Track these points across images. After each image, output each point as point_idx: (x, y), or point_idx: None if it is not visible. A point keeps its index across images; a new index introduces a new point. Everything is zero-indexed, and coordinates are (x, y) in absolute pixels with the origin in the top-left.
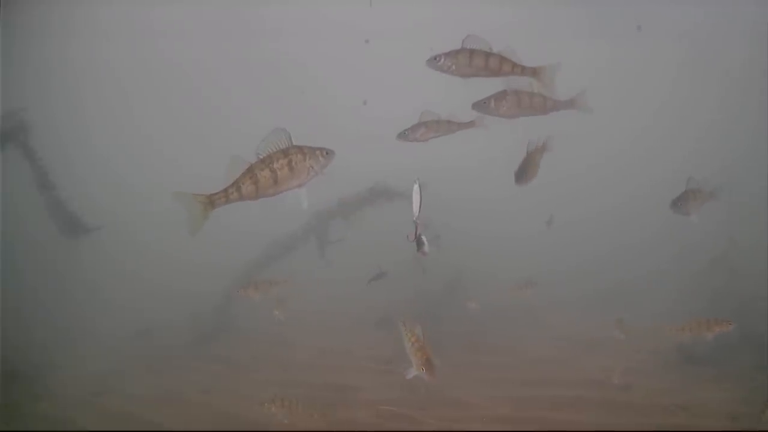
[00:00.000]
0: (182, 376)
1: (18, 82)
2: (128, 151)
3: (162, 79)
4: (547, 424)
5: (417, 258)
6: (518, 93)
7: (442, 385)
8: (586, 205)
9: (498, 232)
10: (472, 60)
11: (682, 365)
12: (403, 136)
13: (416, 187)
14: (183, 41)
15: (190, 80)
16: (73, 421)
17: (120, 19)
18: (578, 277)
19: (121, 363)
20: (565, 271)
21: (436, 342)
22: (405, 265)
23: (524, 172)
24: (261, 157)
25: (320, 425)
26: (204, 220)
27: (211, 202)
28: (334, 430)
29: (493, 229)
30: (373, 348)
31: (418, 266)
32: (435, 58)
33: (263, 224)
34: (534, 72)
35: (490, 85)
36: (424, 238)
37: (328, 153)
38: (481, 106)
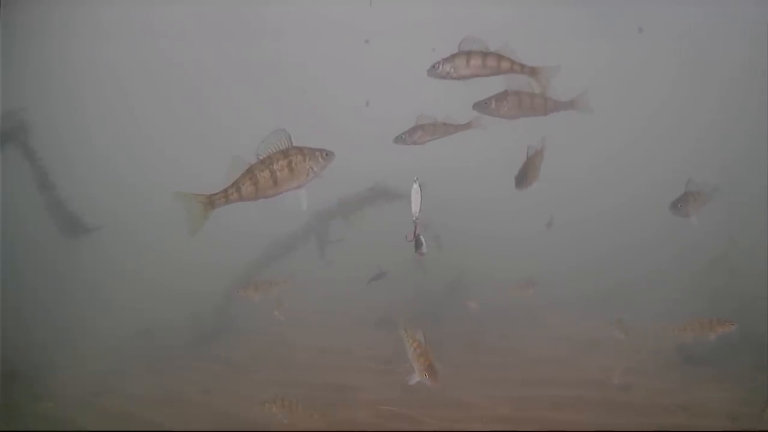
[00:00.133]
0: (182, 376)
1: (18, 82)
2: (128, 151)
3: (162, 79)
4: (547, 424)
5: (416, 258)
6: (519, 94)
7: (442, 385)
8: (586, 205)
9: (498, 232)
10: (469, 61)
11: (682, 365)
12: (400, 139)
13: (415, 187)
14: (183, 41)
15: (190, 80)
16: (73, 421)
17: (120, 19)
18: (578, 277)
19: (121, 363)
20: (565, 271)
21: (437, 342)
22: (405, 265)
23: (524, 176)
24: (261, 157)
25: (320, 425)
26: (204, 220)
27: (211, 202)
28: (334, 430)
29: (492, 229)
30: (373, 348)
31: (418, 266)
32: (434, 66)
33: (263, 224)
34: (532, 71)
35: (490, 85)
36: (422, 239)
37: (327, 154)
38: (482, 106)
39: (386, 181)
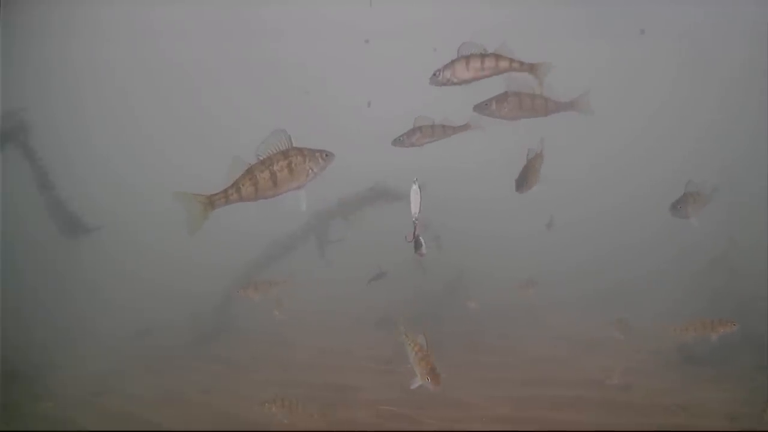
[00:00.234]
0: (182, 376)
1: (18, 82)
2: (128, 151)
3: (162, 79)
4: (547, 424)
5: (416, 258)
6: (519, 95)
7: (442, 385)
8: (587, 206)
9: (498, 232)
10: (468, 65)
11: (682, 365)
12: (398, 142)
13: (415, 187)
14: (183, 41)
15: (190, 80)
16: (73, 421)
17: (120, 19)
18: (578, 277)
19: (121, 363)
20: (565, 271)
21: (437, 342)
22: (405, 265)
23: (524, 179)
24: (261, 158)
25: (320, 425)
26: (203, 220)
27: (211, 202)
28: (334, 430)
29: (492, 229)
30: (373, 348)
31: (418, 266)
32: (434, 75)
33: (263, 224)
34: (531, 67)
35: (490, 86)
36: (421, 239)
37: (327, 155)
38: (482, 108)
39: (386, 182)
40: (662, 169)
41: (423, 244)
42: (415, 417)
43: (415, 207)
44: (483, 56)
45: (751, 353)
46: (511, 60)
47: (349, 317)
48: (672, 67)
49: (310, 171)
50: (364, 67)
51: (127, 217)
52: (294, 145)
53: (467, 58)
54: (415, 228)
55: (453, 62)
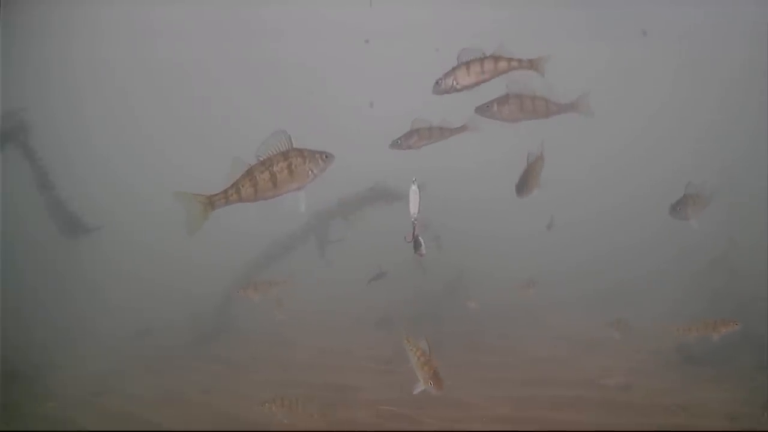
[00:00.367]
0: (182, 376)
1: (18, 82)
2: (128, 151)
3: (162, 79)
4: (547, 424)
5: (416, 258)
6: (520, 96)
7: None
8: (587, 206)
9: (498, 232)
10: (469, 70)
11: (682, 365)
12: (396, 144)
13: (414, 187)
14: (183, 41)
15: (190, 80)
16: (73, 421)
17: (120, 19)
18: (578, 277)
19: (121, 363)
20: (565, 271)
21: (437, 342)
22: (405, 266)
23: (525, 183)
24: (261, 159)
25: (320, 425)
26: (203, 220)
27: (211, 203)
28: (334, 430)
29: (492, 229)
30: (373, 348)
31: (418, 266)
32: (437, 83)
33: (263, 225)
34: (531, 63)
35: (489, 87)
36: (421, 239)
37: (327, 157)
38: (484, 110)
39: (386, 182)
40: (662, 170)
41: (423, 244)
42: (415, 417)
43: (414, 207)
44: (482, 60)
45: (751, 353)
46: (510, 59)
47: (349, 317)
48: (672, 67)
49: (310, 172)
50: (364, 68)
51: (127, 217)
52: (294, 145)
53: (467, 64)
54: (414, 228)
55: (454, 69)
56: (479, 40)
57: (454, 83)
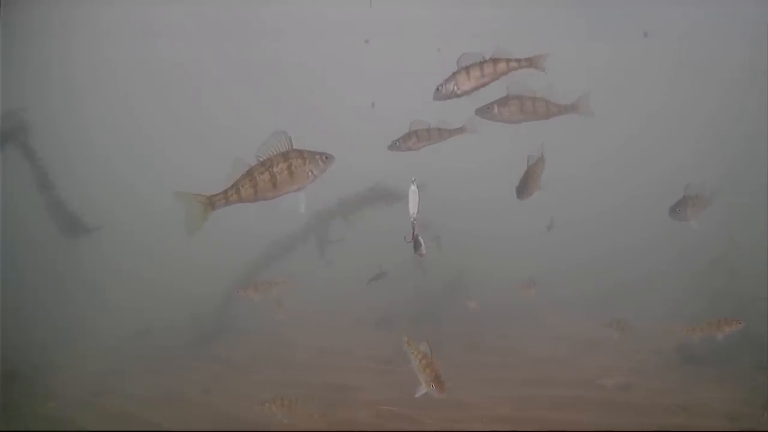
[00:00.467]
0: (182, 376)
1: (18, 82)
2: (128, 151)
3: (162, 79)
4: (547, 424)
5: (416, 258)
6: (521, 98)
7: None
8: (587, 206)
9: (498, 232)
10: (469, 74)
11: (682, 365)
12: (394, 146)
13: (413, 187)
14: (183, 41)
15: (190, 80)
16: (73, 421)
17: (120, 19)
18: (578, 277)
19: (121, 363)
20: (565, 271)
21: (437, 342)
22: (405, 266)
23: (525, 186)
24: (261, 159)
25: (320, 425)
26: (203, 220)
27: (211, 203)
28: (334, 430)
29: (492, 229)
30: (373, 348)
31: (418, 266)
32: (438, 89)
33: (263, 225)
34: (530, 62)
35: (491, 88)
36: (421, 239)
37: (327, 158)
38: (484, 111)
39: (386, 182)
40: (662, 170)
41: (422, 244)
42: (415, 417)
43: (413, 207)
44: (481, 63)
45: (751, 353)
46: (509, 60)
47: (349, 317)
48: (672, 67)
49: (310, 173)
50: (365, 68)
51: (127, 217)
52: (294, 146)
53: (467, 69)
54: (414, 228)
55: (454, 74)
56: (479, 40)
57: (455, 88)
